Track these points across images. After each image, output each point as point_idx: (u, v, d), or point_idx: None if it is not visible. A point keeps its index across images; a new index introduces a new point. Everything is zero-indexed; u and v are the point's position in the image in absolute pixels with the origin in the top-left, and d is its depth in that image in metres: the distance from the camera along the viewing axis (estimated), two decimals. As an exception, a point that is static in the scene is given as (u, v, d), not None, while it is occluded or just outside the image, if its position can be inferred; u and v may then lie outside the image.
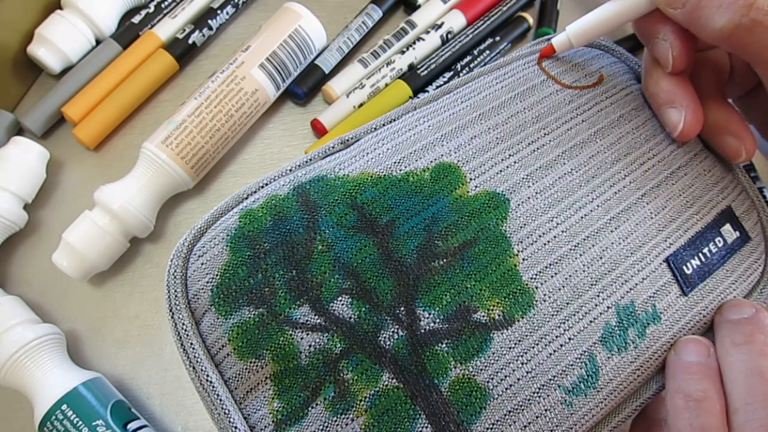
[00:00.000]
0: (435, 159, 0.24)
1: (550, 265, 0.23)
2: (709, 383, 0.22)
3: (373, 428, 0.20)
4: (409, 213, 0.23)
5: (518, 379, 0.22)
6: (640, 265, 0.24)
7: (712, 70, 0.28)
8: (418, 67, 0.39)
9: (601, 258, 0.24)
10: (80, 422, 0.28)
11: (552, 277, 0.23)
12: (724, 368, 0.23)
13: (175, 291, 0.22)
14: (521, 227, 0.24)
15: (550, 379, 0.22)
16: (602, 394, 0.23)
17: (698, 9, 0.22)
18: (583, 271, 0.24)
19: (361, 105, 0.38)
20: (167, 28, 0.38)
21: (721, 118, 0.26)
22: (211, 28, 0.39)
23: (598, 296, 0.23)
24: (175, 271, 0.23)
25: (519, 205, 0.24)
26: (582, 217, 0.24)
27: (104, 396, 0.29)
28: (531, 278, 0.23)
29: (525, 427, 0.21)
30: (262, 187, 0.24)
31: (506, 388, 0.21)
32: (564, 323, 0.23)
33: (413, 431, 0.21)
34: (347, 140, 0.26)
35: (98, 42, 0.38)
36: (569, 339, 0.22)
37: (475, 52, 0.40)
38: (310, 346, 0.21)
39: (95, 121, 0.36)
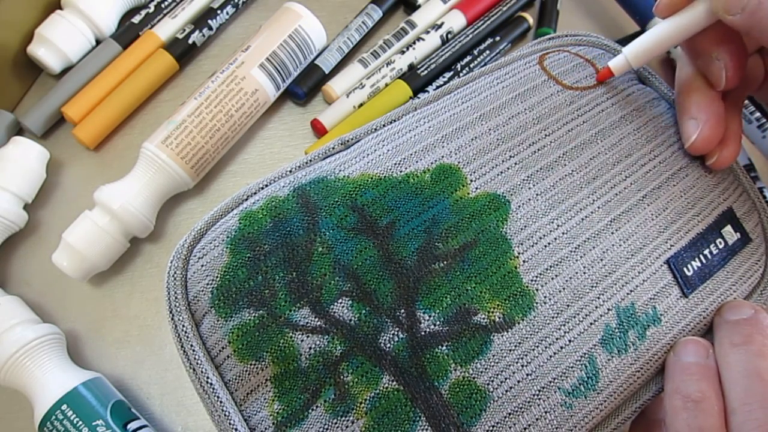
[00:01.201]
0: (435, 160, 0.24)
1: (551, 267, 0.23)
2: (708, 384, 0.22)
3: (373, 430, 0.20)
4: (410, 215, 0.23)
5: (518, 382, 0.22)
6: (641, 266, 0.24)
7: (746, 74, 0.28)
8: (418, 67, 0.39)
9: (601, 260, 0.24)
10: (80, 422, 0.28)
11: (552, 279, 0.23)
12: (723, 369, 0.23)
13: (175, 293, 0.22)
14: (522, 229, 0.24)
15: (550, 382, 0.22)
16: (602, 396, 0.23)
17: (760, 11, 0.22)
18: (584, 273, 0.24)
19: (361, 105, 0.38)
20: (167, 28, 0.38)
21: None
22: (211, 28, 0.39)
23: (598, 298, 0.23)
24: (175, 272, 0.23)
25: (520, 206, 0.24)
26: (583, 219, 0.24)
27: (104, 396, 0.29)
28: (531, 280, 0.23)
29: (525, 429, 0.21)
30: (262, 188, 0.24)
31: (506, 391, 0.21)
32: (564, 325, 0.23)
33: (413, 433, 0.21)
34: (347, 141, 0.26)
35: (98, 42, 0.38)
36: (569, 341, 0.22)
37: (475, 52, 0.40)
38: (310, 348, 0.21)
39: (95, 121, 0.36)
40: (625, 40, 0.42)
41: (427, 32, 0.40)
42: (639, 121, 0.27)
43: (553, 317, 0.23)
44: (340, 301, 0.21)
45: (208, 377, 0.21)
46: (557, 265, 0.23)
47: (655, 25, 0.28)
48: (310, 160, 0.25)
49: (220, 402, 0.21)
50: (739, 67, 0.25)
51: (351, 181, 0.23)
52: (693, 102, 0.26)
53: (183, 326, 0.22)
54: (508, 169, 0.25)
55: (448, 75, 0.39)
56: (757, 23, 0.22)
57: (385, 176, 0.24)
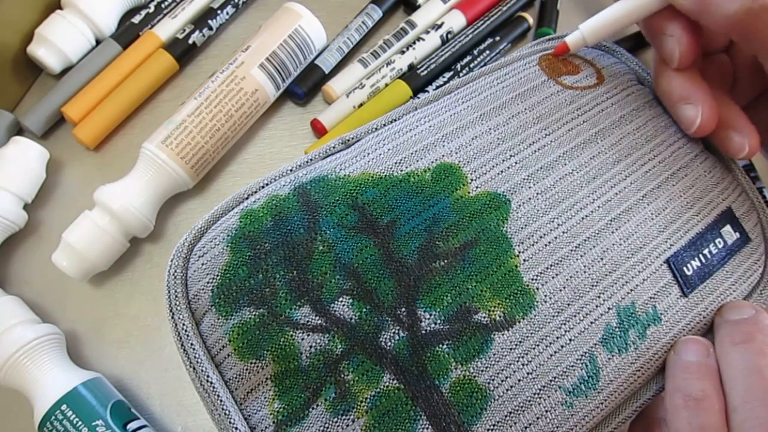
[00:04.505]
0: (436, 159, 0.24)
1: (551, 266, 0.23)
2: (708, 382, 0.22)
3: (374, 429, 0.20)
4: (410, 213, 0.23)
5: (519, 381, 0.22)
6: (641, 266, 0.24)
7: (717, 70, 0.28)
8: (418, 67, 0.39)
9: (602, 259, 0.24)
10: (80, 422, 0.28)
11: (553, 278, 0.23)
12: (723, 367, 0.23)
13: (176, 291, 0.22)
14: (522, 228, 0.24)
15: (551, 380, 0.22)
16: (602, 395, 0.23)
17: None
18: (584, 272, 0.24)
19: (361, 105, 0.38)
20: (167, 28, 0.38)
21: (725, 113, 0.26)
22: (211, 28, 0.39)
23: (598, 297, 0.23)
24: (176, 271, 0.23)
25: (520, 205, 0.24)
26: (583, 218, 0.24)
27: (104, 396, 0.29)
28: (532, 279, 0.23)
29: (525, 428, 0.21)
30: (263, 187, 0.24)
31: (507, 389, 0.21)
32: (565, 324, 0.23)
33: (414, 432, 0.21)
34: (348, 140, 0.26)
35: (98, 42, 0.38)
36: (570, 340, 0.22)
37: (475, 52, 0.40)
38: (310, 346, 0.21)
39: (95, 121, 0.36)
40: (624, 41, 0.42)
41: (427, 32, 0.40)
42: (639, 121, 0.27)
43: (553, 316, 0.23)
44: (340, 299, 0.21)
45: (208, 376, 0.21)
46: (557, 264, 0.23)
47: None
48: (311, 159, 0.25)
49: (221, 401, 0.21)
50: (692, 44, 0.25)
51: (351, 180, 0.23)
52: (677, 86, 0.26)
53: (183, 325, 0.22)
54: (508, 168, 0.25)
55: (448, 75, 0.39)
56: (705, 8, 0.23)
57: (385, 175, 0.24)
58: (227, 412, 0.21)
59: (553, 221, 0.24)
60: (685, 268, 0.25)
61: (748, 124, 0.26)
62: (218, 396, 0.21)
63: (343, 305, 0.21)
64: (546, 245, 0.24)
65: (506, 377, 0.21)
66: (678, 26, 0.25)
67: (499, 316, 0.22)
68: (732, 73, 0.28)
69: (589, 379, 0.22)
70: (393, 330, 0.21)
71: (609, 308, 0.23)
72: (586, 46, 0.28)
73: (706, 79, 0.27)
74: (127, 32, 0.38)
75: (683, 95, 0.26)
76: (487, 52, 0.40)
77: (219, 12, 0.39)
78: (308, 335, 0.21)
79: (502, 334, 0.22)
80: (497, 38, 0.40)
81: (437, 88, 0.38)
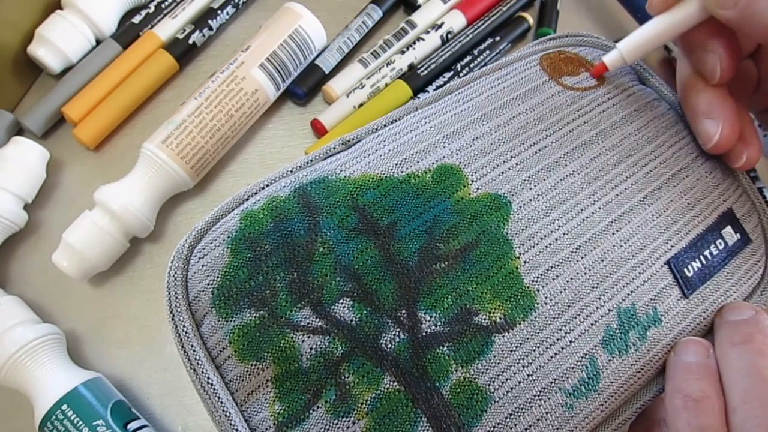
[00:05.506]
0: (437, 161, 0.24)
1: (552, 267, 0.23)
2: (708, 383, 0.22)
3: (374, 431, 0.20)
4: (411, 215, 0.23)
5: (519, 382, 0.22)
6: (642, 267, 0.24)
7: (741, 76, 0.28)
8: (418, 67, 0.39)
9: (602, 260, 0.24)
10: (80, 422, 0.28)
11: (553, 279, 0.23)
12: (723, 368, 0.23)
13: (176, 293, 0.22)
14: (523, 230, 0.24)
15: (551, 382, 0.22)
16: (603, 396, 0.23)
17: (752, 5, 0.22)
18: (585, 273, 0.24)
19: (361, 105, 0.38)
20: (167, 28, 0.38)
21: None
22: (211, 28, 0.39)
23: (599, 299, 0.23)
24: (176, 272, 0.23)
25: (521, 207, 0.24)
26: (584, 220, 0.24)
27: (104, 396, 0.29)
28: (532, 281, 0.23)
29: (526, 430, 0.21)
30: (263, 188, 0.24)
31: (507, 391, 0.21)
32: (565, 326, 0.23)
33: (414, 434, 0.21)
34: (348, 141, 0.26)
35: (98, 42, 0.38)
36: (570, 342, 0.22)
37: (475, 52, 0.40)
38: (311, 348, 0.21)
39: (95, 121, 0.36)
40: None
41: (427, 32, 0.40)
42: (640, 122, 0.27)
43: (554, 318, 0.23)
44: (341, 301, 0.21)
45: (208, 377, 0.21)
46: (558, 265, 0.23)
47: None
48: (311, 160, 0.25)
49: (221, 402, 0.21)
50: (733, 60, 0.25)
51: (352, 181, 0.23)
52: (704, 101, 0.26)
53: (183, 326, 0.22)
54: (509, 169, 0.25)
55: (448, 75, 0.39)
56: (748, 18, 0.22)
57: (386, 176, 0.24)
58: (228, 413, 0.21)
59: (553, 223, 0.24)
60: (685, 270, 0.25)
61: (753, 135, 0.26)
62: (219, 398, 0.21)
63: (344, 307, 0.21)
64: (547, 247, 0.24)
65: (507, 379, 0.22)
66: (720, 43, 0.24)
67: (500, 318, 0.22)
68: (756, 78, 0.28)
69: (589, 380, 0.22)
70: (393, 332, 0.21)
71: (609, 310, 0.23)
72: (625, 65, 0.28)
73: (730, 86, 0.27)
74: (127, 32, 0.38)
75: (707, 110, 0.26)
76: (487, 52, 0.40)
77: (219, 12, 0.39)
78: (309, 337, 0.21)
79: (503, 336, 0.22)
80: (497, 38, 0.40)
81: (437, 88, 0.38)
